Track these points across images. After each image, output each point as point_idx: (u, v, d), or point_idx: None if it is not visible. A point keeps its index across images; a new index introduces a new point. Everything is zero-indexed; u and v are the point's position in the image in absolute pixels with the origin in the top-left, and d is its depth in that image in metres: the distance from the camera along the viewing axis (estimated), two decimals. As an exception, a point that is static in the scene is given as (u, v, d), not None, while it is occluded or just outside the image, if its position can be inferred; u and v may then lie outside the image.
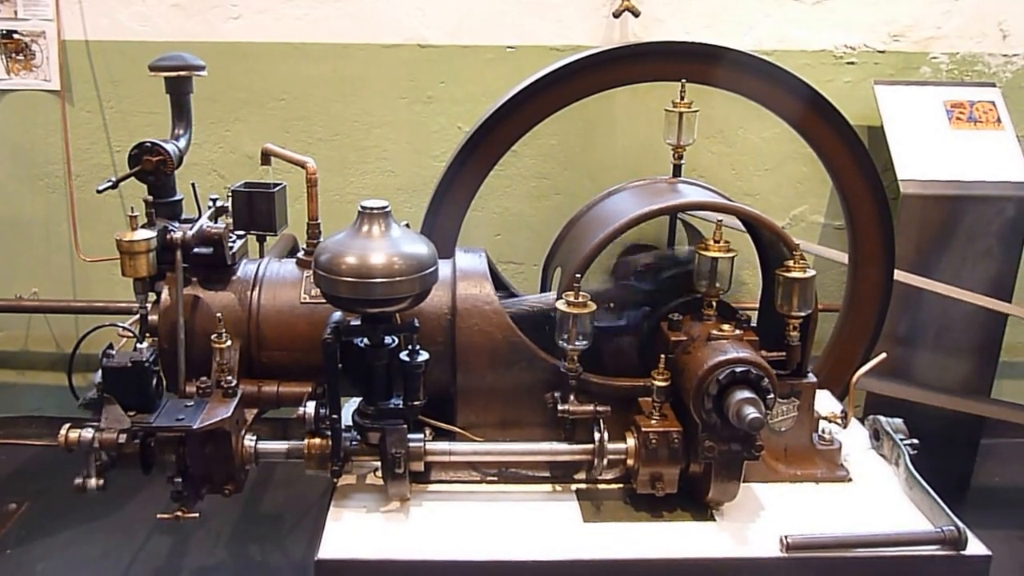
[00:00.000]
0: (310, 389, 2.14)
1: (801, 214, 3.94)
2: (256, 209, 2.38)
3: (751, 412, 1.86)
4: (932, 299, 3.45)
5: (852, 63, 3.89)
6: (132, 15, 3.62)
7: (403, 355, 1.99)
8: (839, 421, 2.35)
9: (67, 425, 1.95)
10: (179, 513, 2.05)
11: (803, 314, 2.14)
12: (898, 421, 2.37)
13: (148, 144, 2.18)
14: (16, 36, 3.64)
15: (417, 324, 2.01)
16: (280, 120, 3.62)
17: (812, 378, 2.25)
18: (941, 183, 3.45)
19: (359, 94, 3.77)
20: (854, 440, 2.41)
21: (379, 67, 3.74)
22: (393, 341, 2.01)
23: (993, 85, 3.77)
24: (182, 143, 2.32)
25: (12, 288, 4.04)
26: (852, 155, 2.68)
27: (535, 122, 2.63)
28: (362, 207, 1.91)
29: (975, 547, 2.01)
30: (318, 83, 3.74)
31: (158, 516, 2.08)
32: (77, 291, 4.00)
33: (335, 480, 2.16)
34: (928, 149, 3.52)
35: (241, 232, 2.33)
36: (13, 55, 3.66)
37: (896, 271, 3.30)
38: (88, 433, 1.93)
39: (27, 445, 4.22)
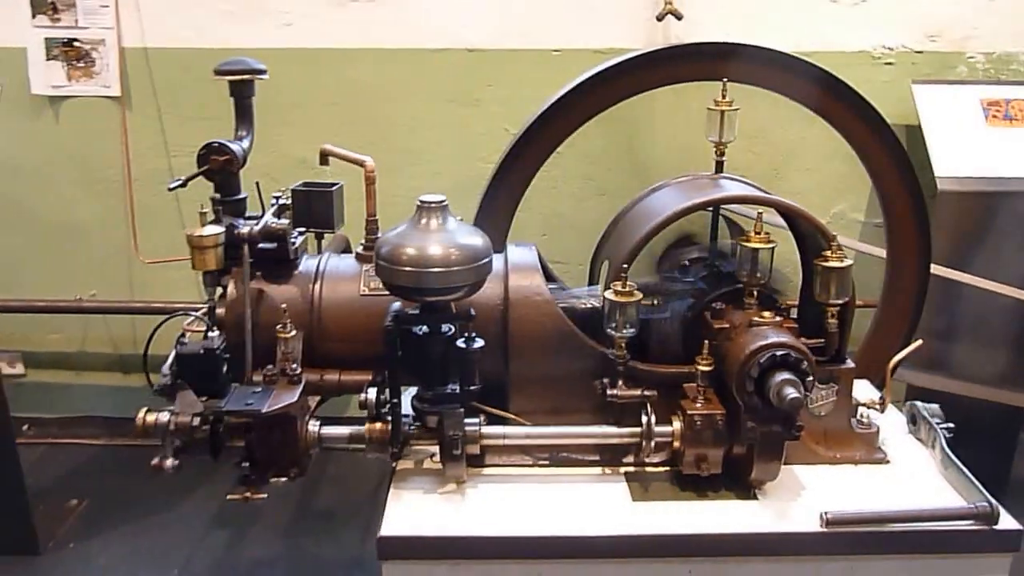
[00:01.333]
0: (370, 377, 2.24)
1: (841, 212, 3.98)
2: (315, 207, 2.50)
3: (791, 392, 1.95)
4: (969, 293, 3.48)
5: (890, 63, 3.93)
6: (187, 23, 3.74)
7: (459, 342, 2.09)
8: (877, 406, 2.42)
9: (144, 408, 2.06)
10: (248, 494, 2.16)
11: (840, 302, 2.22)
12: (934, 406, 2.43)
13: (215, 144, 2.30)
14: (77, 44, 3.79)
15: (473, 312, 2.11)
16: (329, 124, 3.72)
17: (850, 364, 2.32)
18: (977, 180, 3.48)
19: (407, 98, 3.86)
20: (892, 425, 2.47)
21: (426, 71, 3.83)
22: (450, 329, 2.11)
23: (1028, 83, 3.81)
24: (245, 143, 2.43)
25: (71, 290, 4.16)
26: (889, 153, 2.73)
27: (580, 123, 2.70)
28: (421, 201, 2.03)
29: (1007, 522, 2.07)
30: (367, 88, 3.84)
31: (227, 497, 2.18)
32: (134, 293, 4.13)
33: (394, 464, 2.27)
34: (965, 147, 3.55)
35: (301, 229, 2.44)
36: (74, 62, 3.80)
37: (934, 266, 3.35)
38: (164, 416, 2.03)
39: (85, 445, 4.35)
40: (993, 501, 2.08)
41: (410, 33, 3.81)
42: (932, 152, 3.52)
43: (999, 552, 2.09)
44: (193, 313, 2.17)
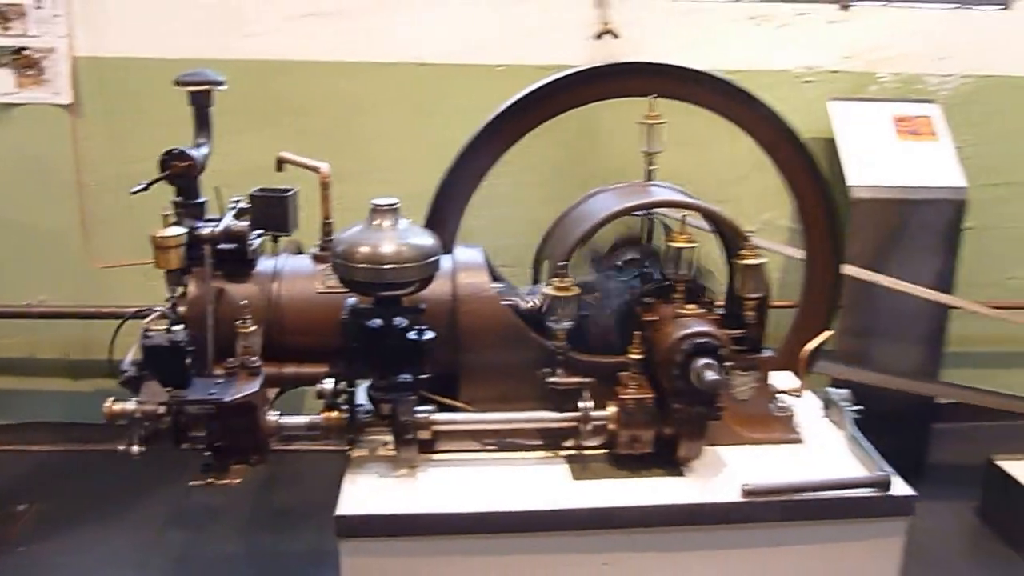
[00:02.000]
0: (326, 369, 2.39)
1: (770, 219, 4.23)
2: (271, 211, 2.62)
3: (711, 375, 2.16)
4: (884, 294, 3.75)
5: (809, 82, 4.19)
6: (144, 33, 3.81)
7: (411, 334, 2.26)
8: (794, 393, 2.66)
9: (111, 398, 2.17)
10: (212, 479, 2.29)
11: (757, 295, 2.43)
12: (845, 391, 2.66)
13: (177, 151, 2.43)
14: (27, 52, 3.84)
15: (423, 306, 2.28)
16: (285, 134, 3.81)
17: (768, 353, 2.55)
18: (888, 188, 3.77)
19: (361, 109, 3.99)
20: (808, 409, 2.71)
21: (381, 84, 3.96)
22: (402, 322, 2.27)
23: (932, 101, 4.10)
24: (204, 150, 2.57)
25: (19, 296, 4.17)
26: (804, 165, 2.94)
27: (523, 134, 2.86)
28: (374, 204, 2.20)
29: (902, 489, 2.31)
30: (322, 99, 3.96)
31: (190, 483, 2.31)
32: (85, 298, 4.13)
33: (349, 451, 2.43)
34: (876, 159, 3.84)
35: (259, 231, 2.58)
36: (23, 70, 3.85)
37: (852, 268, 3.63)
38: (131, 405, 2.15)
39: (34, 451, 4.36)
40: (889, 470, 2.32)
41: (364, 47, 3.94)
42: (846, 163, 3.80)
43: (896, 516, 2.33)
44: (158, 309, 2.29)
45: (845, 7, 4.10)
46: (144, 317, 2.41)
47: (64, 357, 4.39)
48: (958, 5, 4.28)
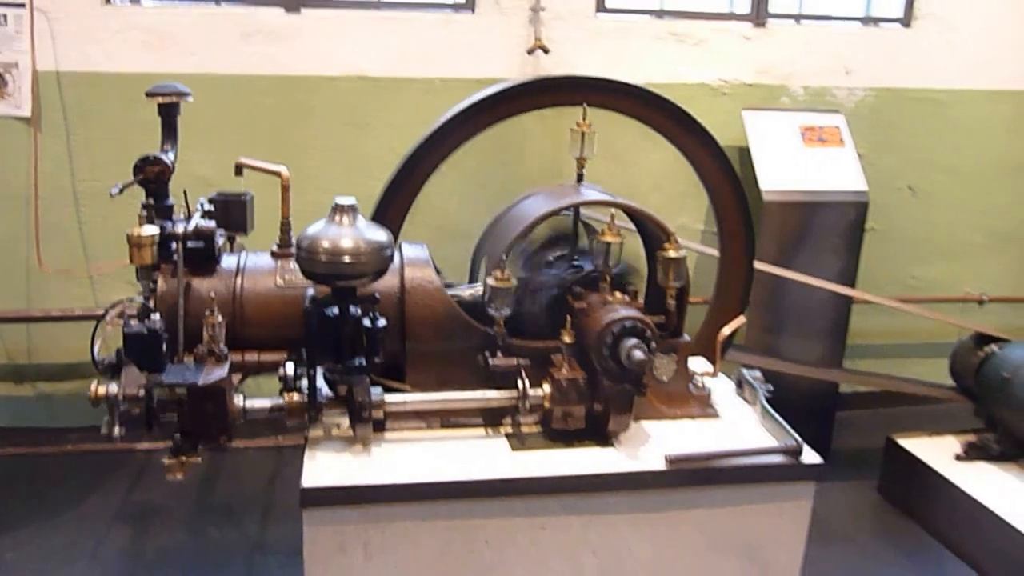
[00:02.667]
0: (285, 356, 2.60)
1: (685, 223, 4.54)
2: (231, 213, 2.84)
3: (638, 354, 2.42)
4: (793, 289, 4.07)
5: (726, 94, 4.51)
6: (100, 50, 3.93)
7: (365, 321, 2.48)
8: (709, 374, 2.95)
9: (95, 381, 2.35)
10: (183, 458, 2.47)
11: (678, 285, 2.71)
12: (756, 371, 2.96)
13: (150, 157, 2.62)
14: (-9, 67, 3.92)
15: (377, 296, 2.51)
16: (233, 144, 3.92)
17: (687, 338, 2.83)
18: (796, 192, 4.09)
19: (305, 121, 4.15)
20: (724, 390, 3.01)
21: (323, 97, 4.13)
22: (357, 311, 2.50)
23: (838, 112, 4.45)
24: (172, 156, 2.76)
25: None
26: (721, 169, 3.25)
27: (461, 143, 3.09)
28: (336, 203, 2.42)
29: (811, 457, 2.60)
30: (268, 111, 4.11)
31: (164, 460, 2.49)
32: (32, 303, 4.21)
33: (307, 433, 2.64)
34: (786, 164, 4.16)
35: (221, 231, 2.78)
36: (-13, 85, 3.93)
37: (763, 264, 3.93)
38: (113, 388, 2.33)
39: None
40: (799, 439, 2.61)
41: (308, 62, 4.11)
42: (759, 169, 4.11)
43: (805, 480, 2.62)
44: (137, 297, 2.46)
45: (759, 25, 4.44)
46: (118, 314, 2.61)
47: (9, 362, 4.44)
48: (863, 24, 4.65)
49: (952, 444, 4.00)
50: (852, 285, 4.17)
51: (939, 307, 4.67)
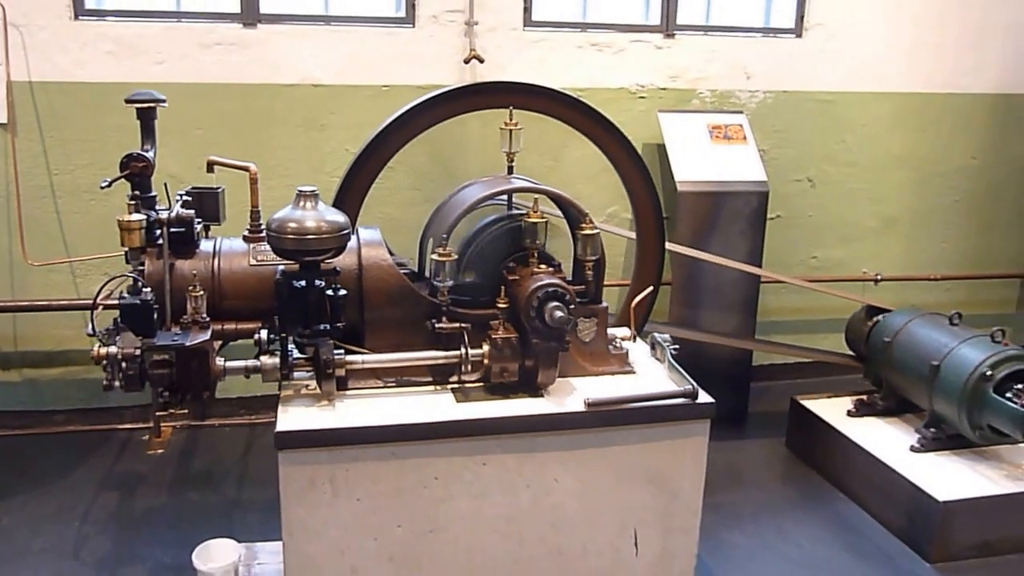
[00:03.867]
0: (259, 325, 3.01)
1: (614, 212, 4.99)
2: (206, 205, 3.24)
3: (559, 313, 2.88)
4: (707, 270, 4.57)
5: (643, 97, 4.98)
6: (70, 60, 4.22)
7: (328, 292, 2.90)
8: (627, 338, 3.43)
9: (97, 344, 2.73)
10: (172, 410, 2.87)
11: (594, 258, 3.18)
12: (666, 335, 3.45)
13: (135, 154, 3.01)
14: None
15: (338, 270, 2.94)
16: (198, 146, 4.22)
17: (604, 304, 3.30)
18: (706, 183, 4.58)
19: (264, 124, 4.48)
20: (641, 352, 3.48)
21: (280, 103, 4.47)
22: (321, 282, 2.91)
23: (741, 112, 4.96)
24: (151, 155, 3.15)
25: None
26: (634, 164, 3.65)
27: (406, 142, 3.47)
28: (299, 190, 2.84)
29: (704, 398, 3.09)
30: (230, 116, 4.43)
31: (156, 413, 2.88)
32: (16, 295, 4.48)
33: (280, 391, 3.05)
34: (696, 159, 4.65)
35: (199, 220, 3.17)
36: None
37: (679, 247, 4.43)
38: (113, 349, 2.72)
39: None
40: (695, 385, 3.09)
41: (266, 71, 4.45)
42: (673, 163, 4.59)
43: (700, 418, 3.11)
44: (130, 274, 2.84)
45: (669, 36, 4.93)
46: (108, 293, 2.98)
47: (-4, 349, 4.70)
48: (762, 35, 5.17)
49: (846, 403, 4.53)
50: (759, 266, 4.68)
51: (839, 286, 5.19)
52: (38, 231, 4.32)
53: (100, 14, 4.31)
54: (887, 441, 4.16)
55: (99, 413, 4.65)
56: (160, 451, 4.40)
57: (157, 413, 2.86)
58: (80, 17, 4.26)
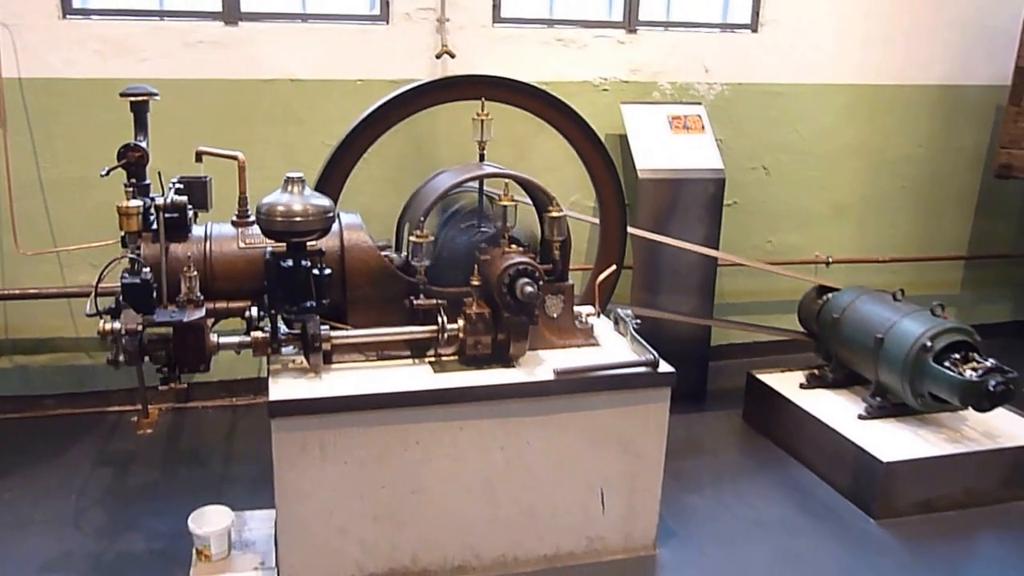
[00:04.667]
0: (248, 304, 3.22)
1: (577, 199, 5.20)
2: (194, 192, 3.44)
3: (529, 288, 3.13)
4: (667, 253, 4.81)
5: (606, 90, 5.20)
6: (59, 58, 4.36)
7: (314, 271, 3.13)
8: (591, 315, 3.69)
9: (102, 320, 2.93)
10: (172, 384, 3.07)
11: (560, 239, 3.43)
12: (628, 310, 3.71)
13: (132, 144, 3.21)
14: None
15: (323, 250, 3.17)
16: (180, 141, 4.41)
17: (571, 282, 3.55)
18: (666, 171, 4.82)
19: (244, 119, 4.62)
20: (605, 327, 3.73)
21: (260, 97, 4.63)
22: (307, 262, 3.13)
23: (699, 104, 5.20)
24: (144, 145, 3.35)
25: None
26: (598, 153, 3.92)
27: (382, 133, 3.68)
28: (287, 176, 3.06)
29: (664, 367, 3.35)
30: (211, 110, 4.57)
31: (159, 387, 3.08)
32: (6, 284, 4.58)
33: (269, 365, 3.27)
34: (657, 148, 4.89)
35: (190, 207, 3.38)
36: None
37: (640, 231, 4.67)
38: (117, 324, 2.92)
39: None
40: (656, 355, 3.35)
41: (247, 67, 4.61)
42: (635, 152, 4.83)
43: (661, 386, 3.38)
44: (129, 256, 3.03)
45: (631, 31, 5.17)
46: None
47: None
48: (719, 30, 5.43)
49: (799, 377, 4.80)
50: (717, 246, 4.94)
51: (792, 268, 5.45)
52: (28, 223, 4.46)
53: (87, 13, 4.46)
54: (836, 410, 4.43)
55: (87, 397, 4.82)
56: (149, 431, 4.59)
57: (160, 388, 3.04)
58: (68, 16, 4.40)
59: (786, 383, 4.78)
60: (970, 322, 4.44)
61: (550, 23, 5.10)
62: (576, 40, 5.12)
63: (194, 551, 3.41)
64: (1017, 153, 5.53)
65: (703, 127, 5.06)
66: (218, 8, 4.56)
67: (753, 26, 5.45)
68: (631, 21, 5.18)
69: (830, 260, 5.61)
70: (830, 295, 4.82)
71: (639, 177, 4.78)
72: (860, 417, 4.33)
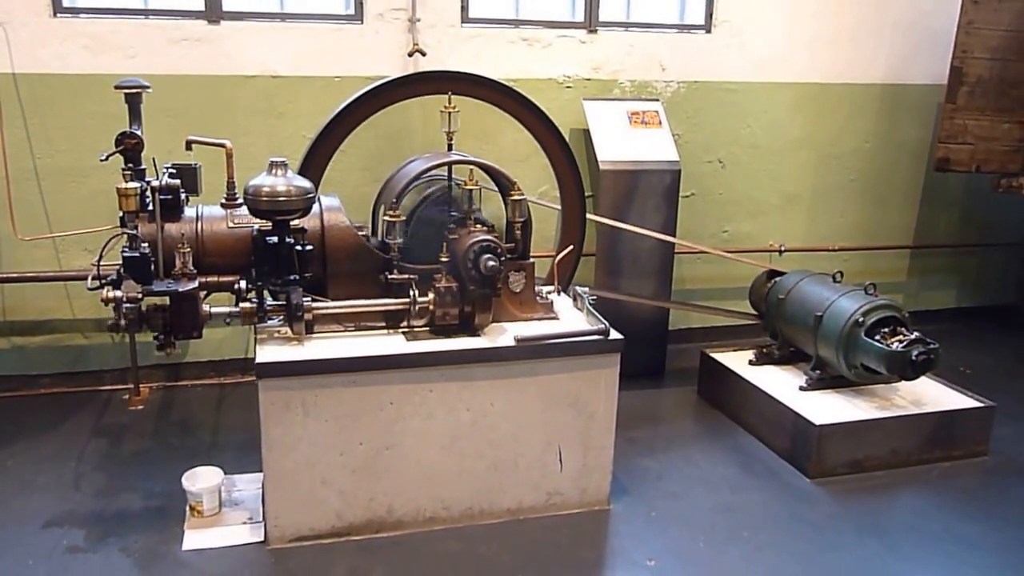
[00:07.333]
0: (237, 278, 3.53)
1: (545, 191, 5.51)
2: (186, 178, 3.74)
3: (492, 262, 3.46)
4: (627, 240, 5.16)
5: (569, 87, 5.52)
6: (51, 54, 4.63)
7: (297, 247, 3.44)
8: (552, 292, 4.03)
9: (106, 289, 3.23)
10: (168, 350, 3.38)
11: (522, 220, 3.76)
12: (585, 287, 4.04)
13: (129, 132, 3.51)
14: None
15: (305, 229, 3.48)
16: (167, 134, 4.49)
17: (531, 260, 3.88)
18: (625, 163, 5.16)
19: (227, 113, 4.91)
20: (564, 304, 4.06)
21: (242, 92, 4.92)
22: (291, 239, 3.45)
23: (657, 100, 5.55)
24: (139, 133, 3.65)
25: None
26: (560, 146, 4.23)
27: (357, 125, 3.97)
28: (271, 160, 3.38)
29: (614, 335, 3.69)
30: (196, 105, 4.85)
31: (156, 352, 3.39)
32: (3, 268, 4.84)
33: (256, 334, 3.58)
34: (617, 142, 5.22)
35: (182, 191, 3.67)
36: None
37: (601, 218, 5.01)
38: (119, 292, 3.22)
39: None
40: (607, 325, 3.69)
41: (229, 63, 4.89)
42: (596, 145, 5.17)
43: (612, 352, 3.71)
44: (128, 232, 3.32)
45: (592, 31, 5.50)
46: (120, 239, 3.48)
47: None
48: (675, 31, 5.77)
49: (749, 355, 5.17)
50: (674, 233, 5.29)
51: (747, 256, 5.81)
52: (25, 210, 4.73)
53: (76, 12, 4.74)
54: (780, 383, 4.79)
55: (81, 376, 5.10)
56: (140, 407, 4.88)
57: (157, 352, 3.34)
58: (58, 15, 4.68)
59: (737, 360, 5.14)
60: (916, 308, 4.80)
61: (516, 23, 5.42)
62: (540, 40, 5.44)
63: (188, 507, 3.73)
64: (954, 147, 5.93)
65: (660, 122, 5.40)
66: (201, 7, 4.85)
67: (707, 27, 5.79)
68: (592, 22, 5.52)
69: (783, 248, 5.98)
70: (778, 279, 5.18)
71: (600, 168, 5.12)
72: (801, 388, 4.69)
